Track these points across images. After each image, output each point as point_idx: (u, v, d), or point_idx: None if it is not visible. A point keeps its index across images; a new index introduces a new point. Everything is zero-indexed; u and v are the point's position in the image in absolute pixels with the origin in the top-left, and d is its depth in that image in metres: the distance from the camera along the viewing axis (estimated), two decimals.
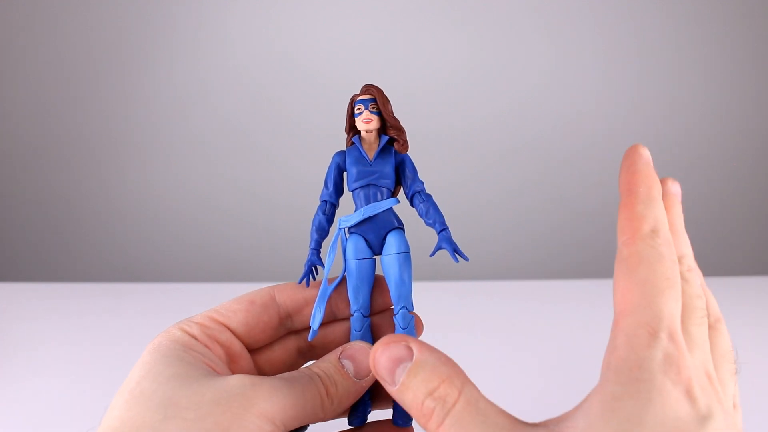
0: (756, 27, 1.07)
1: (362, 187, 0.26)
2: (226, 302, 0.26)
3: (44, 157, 1.12)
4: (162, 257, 1.14)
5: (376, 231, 0.26)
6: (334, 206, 0.27)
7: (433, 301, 0.63)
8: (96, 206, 1.14)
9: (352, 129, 0.27)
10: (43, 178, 1.13)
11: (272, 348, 0.28)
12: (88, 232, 1.15)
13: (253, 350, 0.27)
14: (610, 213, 1.15)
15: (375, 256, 0.26)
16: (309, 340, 0.26)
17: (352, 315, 0.26)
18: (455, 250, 0.25)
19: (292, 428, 0.22)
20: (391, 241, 0.26)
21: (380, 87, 0.26)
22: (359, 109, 0.26)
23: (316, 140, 1.11)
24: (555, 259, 1.14)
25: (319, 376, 0.23)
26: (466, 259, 0.25)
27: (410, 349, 0.21)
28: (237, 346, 0.25)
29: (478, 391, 0.20)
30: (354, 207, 0.26)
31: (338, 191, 0.27)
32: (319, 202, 0.27)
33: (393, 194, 0.27)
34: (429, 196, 0.26)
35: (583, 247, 1.14)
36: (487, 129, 1.11)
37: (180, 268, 1.13)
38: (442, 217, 0.26)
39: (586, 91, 1.10)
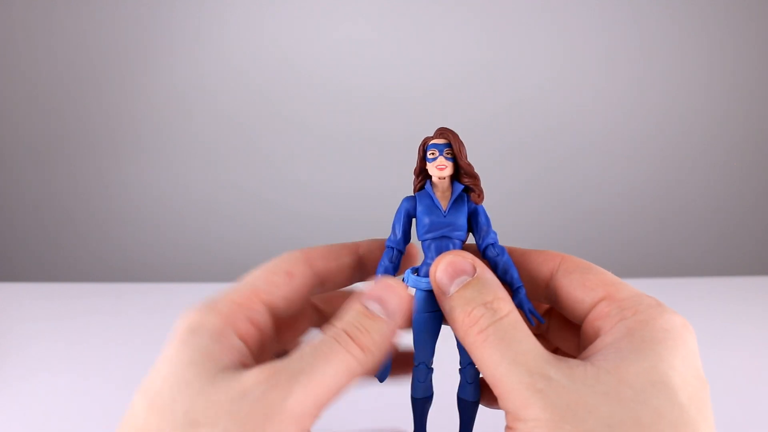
0: (757, 27, 1.07)
1: (434, 238, 0.24)
2: (261, 272, 0.23)
3: (44, 157, 1.12)
4: (162, 257, 1.14)
5: None
6: (401, 253, 0.26)
7: None
8: (96, 206, 1.14)
9: (422, 173, 0.25)
10: (43, 178, 1.13)
11: (292, 324, 0.26)
12: (88, 232, 1.15)
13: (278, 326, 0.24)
14: (613, 213, 1.15)
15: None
16: (380, 381, 0.24)
17: (416, 366, 0.25)
18: (531, 311, 0.24)
19: (329, 402, 0.20)
20: None
21: (454, 132, 0.25)
22: (433, 153, 0.24)
23: (317, 142, 1.11)
24: None
25: (345, 332, 0.21)
26: (542, 322, 0.24)
27: (474, 267, 0.22)
28: (270, 329, 0.23)
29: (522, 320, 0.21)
30: (423, 255, 0.25)
31: (406, 238, 0.25)
32: (384, 248, 0.26)
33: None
34: (503, 250, 0.25)
35: (585, 247, 1.14)
36: (489, 129, 1.11)
37: (180, 268, 1.13)
38: (518, 273, 0.25)
39: (587, 91, 1.10)
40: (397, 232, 0.25)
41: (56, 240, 1.15)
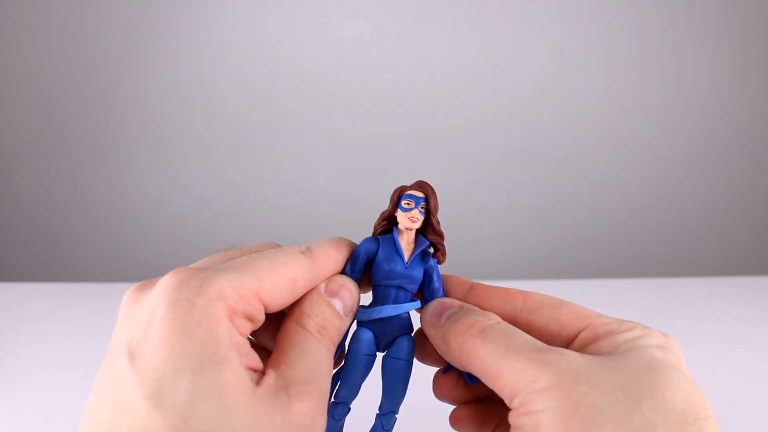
0: (757, 26, 1.07)
1: (389, 286, 0.25)
2: (267, 265, 0.21)
3: (44, 157, 1.12)
4: (162, 257, 1.14)
5: (389, 330, 0.25)
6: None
7: None
8: (96, 206, 1.14)
9: (389, 218, 0.25)
10: (43, 178, 1.13)
11: None
12: (88, 232, 1.15)
13: None
14: (613, 212, 1.15)
15: (377, 353, 0.25)
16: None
17: (336, 403, 0.25)
18: None
19: None
20: (402, 346, 0.25)
21: (433, 188, 0.25)
22: (408, 204, 0.24)
23: (317, 141, 1.11)
24: (556, 258, 1.14)
25: (329, 338, 0.22)
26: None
27: (461, 306, 0.24)
28: (260, 323, 0.22)
29: None
30: (372, 297, 0.25)
31: (358, 278, 0.25)
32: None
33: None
34: None
35: (585, 247, 1.14)
36: (488, 129, 1.11)
37: None
38: None
39: (586, 91, 1.10)
40: (353, 269, 0.25)
41: (56, 240, 1.15)
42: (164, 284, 0.20)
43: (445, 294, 0.26)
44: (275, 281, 0.21)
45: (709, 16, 1.06)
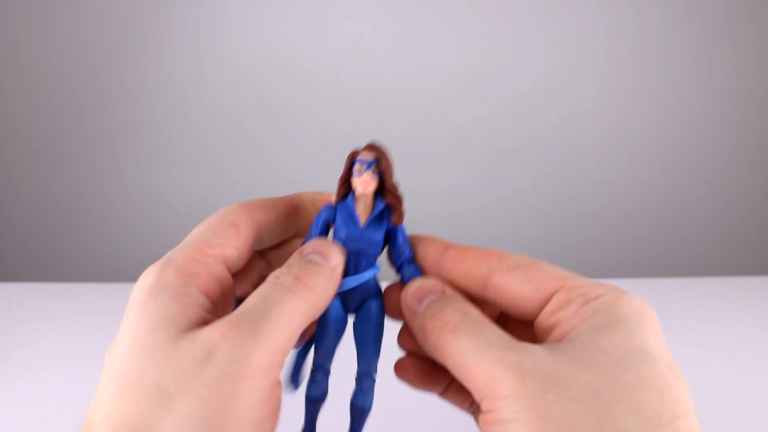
0: (757, 26, 1.07)
1: (349, 252, 0.24)
2: (207, 227, 0.23)
3: (44, 157, 1.12)
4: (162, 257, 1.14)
5: (355, 294, 0.25)
6: None
7: None
8: (96, 206, 1.14)
9: (345, 184, 0.25)
10: (43, 178, 1.13)
11: (243, 274, 0.26)
12: (88, 232, 1.15)
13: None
14: (612, 213, 1.15)
15: (348, 315, 0.26)
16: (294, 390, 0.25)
17: (314, 368, 0.25)
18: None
19: (290, 349, 0.20)
20: (371, 309, 0.25)
21: (385, 149, 0.24)
22: (360, 168, 0.24)
23: (317, 141, 1.11)
24: (556, 258, 1.14)
25: (293, 276, 0.21)
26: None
27: (443, 290, 0.23)
28: (229, 280, 0.22)
29: None
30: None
31: None
32: None
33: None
34: (418, 269, 0.25)
35: (585, 247, 1.14)
36: (488, 129, 1.11)
37: None
38: None
39: (586, 91, 1.10)
40: (311, 236, 0.25)
41: (56, 240, 1.15)
42: (134, 287, 0.22)
43: (416, 253, 0.25)
44: (216, 231, 0.23)
45: (709, 16, 1.06)
